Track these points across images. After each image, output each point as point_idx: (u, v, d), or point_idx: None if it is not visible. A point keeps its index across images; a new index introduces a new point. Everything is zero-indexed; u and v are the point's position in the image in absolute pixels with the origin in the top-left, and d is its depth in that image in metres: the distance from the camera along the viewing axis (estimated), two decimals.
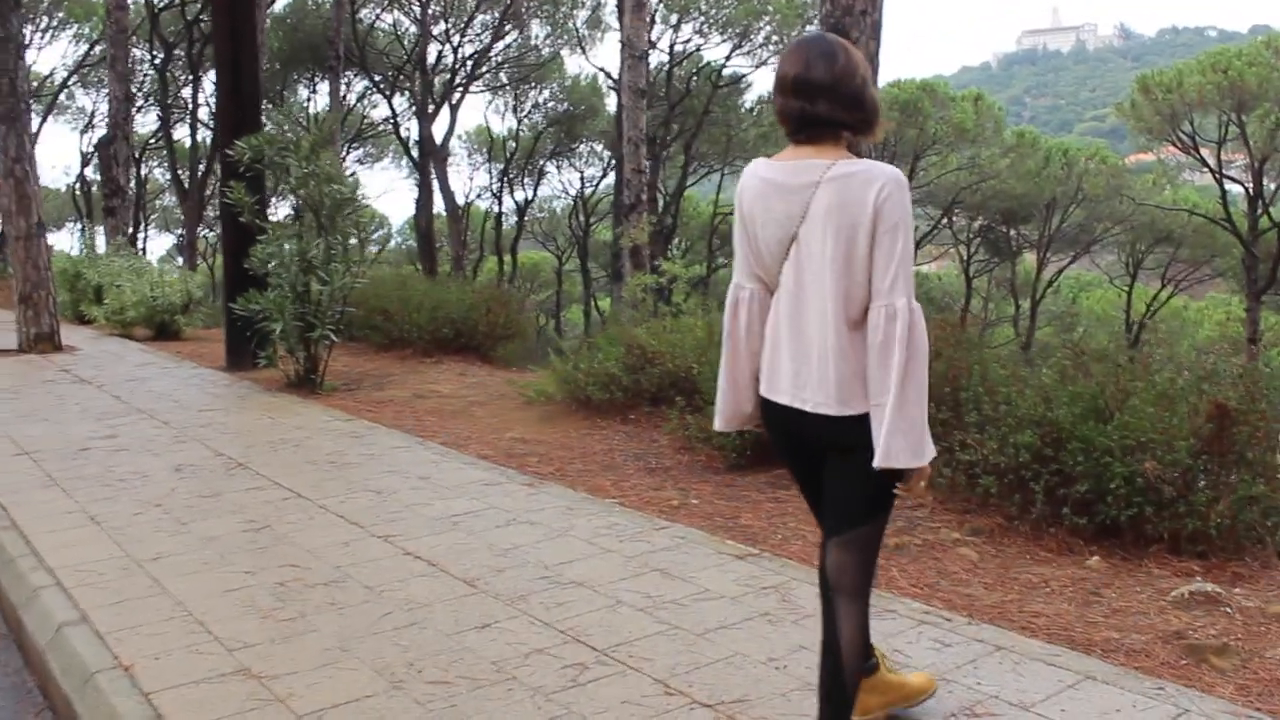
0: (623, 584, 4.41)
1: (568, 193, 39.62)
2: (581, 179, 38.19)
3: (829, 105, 2.66)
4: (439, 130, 31.53)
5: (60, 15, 38.95)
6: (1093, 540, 4.82)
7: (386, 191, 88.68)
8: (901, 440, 2.56)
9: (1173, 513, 4.70)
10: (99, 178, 23.31)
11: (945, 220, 31.11)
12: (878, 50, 8.43)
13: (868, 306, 2.64)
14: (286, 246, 9.30)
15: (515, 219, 39.22)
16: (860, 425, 2.64)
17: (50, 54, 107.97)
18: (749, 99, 32.11)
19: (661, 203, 32.45)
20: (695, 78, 30.76)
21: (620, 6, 17.51)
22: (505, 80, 33.66)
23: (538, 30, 31.72)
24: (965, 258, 32.38)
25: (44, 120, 40.32)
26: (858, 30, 8.27)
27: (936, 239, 32.32)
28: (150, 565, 4.81)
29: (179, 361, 11.57)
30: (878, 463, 2.57)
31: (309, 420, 8.10)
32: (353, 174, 10.89)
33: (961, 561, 4.66)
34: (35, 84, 41.89)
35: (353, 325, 11.90)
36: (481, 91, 34.27)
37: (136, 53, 32.22)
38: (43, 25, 40.05)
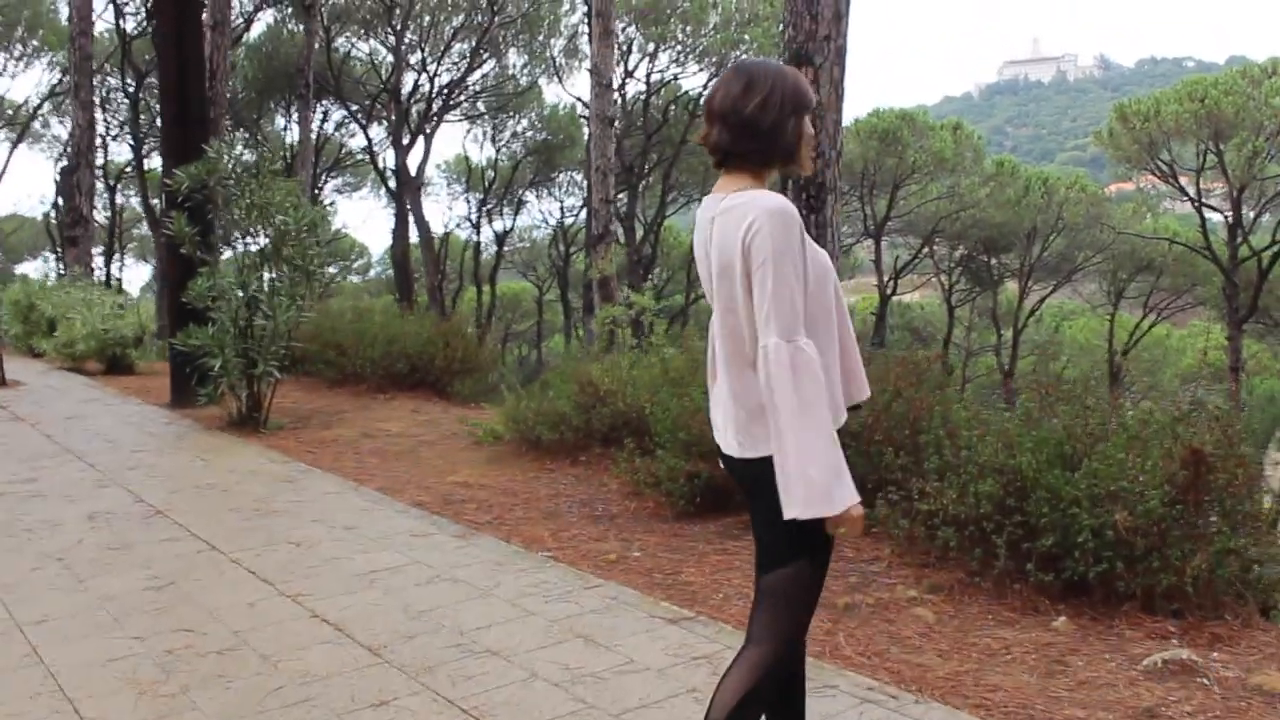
0: (541, 653, 4.00)
1: (547, 222, 39.39)
2: (561, 208, 37.96)
3: (726, 133, 2.50)
4: (415, 159, 31.30)
5: (35, 43, 38.67)
6: (1060, 598, 4.44)
7: (365, 221, 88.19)
8: (796, 490, 2.32)
9: (1145, 568, 4.32)
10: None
11: (926, 249, 30.84)
12: (842, 77, 8.13)
13: None
14: (227, 280, 8.90)
15: (495, 248, 38.87)
16: (764, 467, 2.42)
17: (25, 81, 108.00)
18: None
19: (640, 232, 32.16)
20: (673, 106, 30.52)
21: (589, 34, 17.24)
22: (483, 109, 33.38)
23: (515, 59, 31.47)
24: (947, 287, 32.10)
25: (14, 147, 39.97)
26: (821, 56, 7.97)
27: (918, 268, 32.04)
28: (32, 630, 4.38)
29: (124, 398, 11.15)
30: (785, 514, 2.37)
31: (243, 462, 7.68)
32: (311, 205, 10.46)
33: (916, 624, 4.28)
34: (10, 111, 41.65)
35: (305, 360, 11.49)
36: (459, 120, 33.99)
37: (111, 81, 31.91)
38: (16, 53, 39.78)
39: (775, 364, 2.33)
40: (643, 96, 29.56)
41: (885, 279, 30.06)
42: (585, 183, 34.15)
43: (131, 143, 32.40)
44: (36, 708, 3.65)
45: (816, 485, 2.30)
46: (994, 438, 4.77)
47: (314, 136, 36.53)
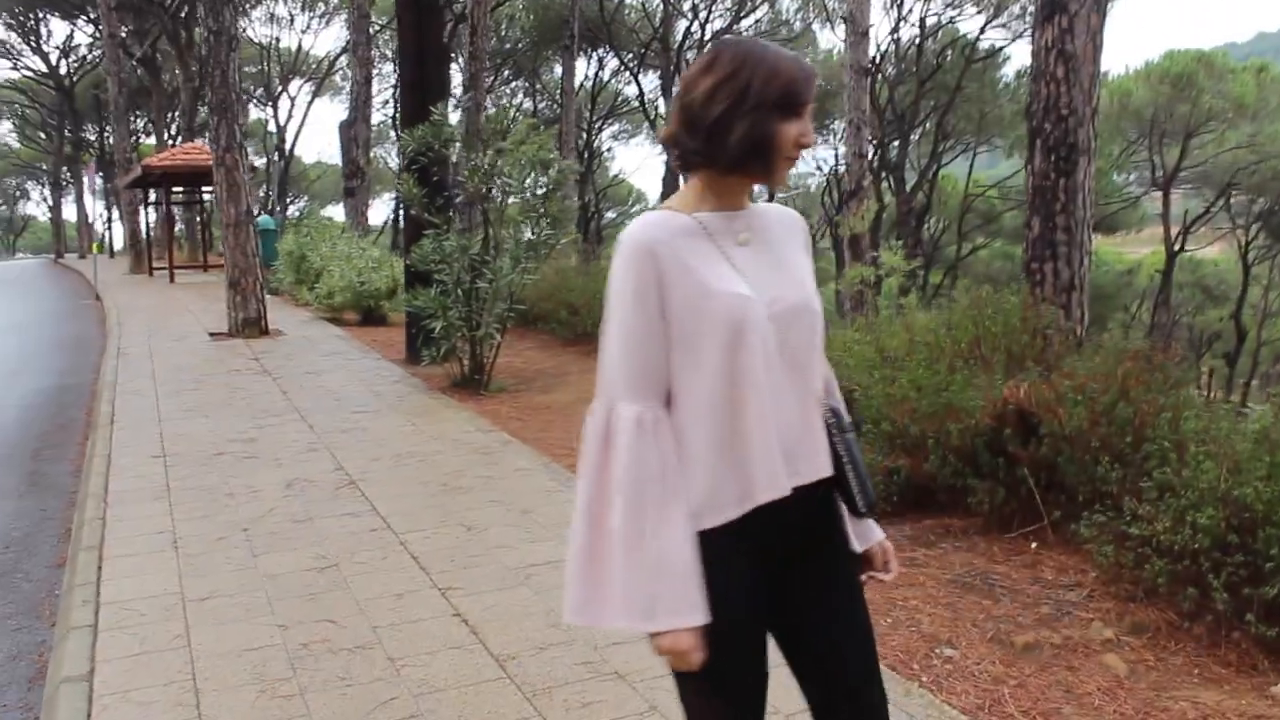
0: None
1: (820, 170, 38.55)
2: (836, 156, 37.05)
3: (672, 121, 1.97)
4: None
5: (335, 1, 41.01)
6: None
7: (638, 169, 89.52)
8: (574, 590, 1.91)
9: None
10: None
11: (1222, 202, 28.13)
12: (1101, 25, 7.31)
13: None
14: (449, 243, 8.96)
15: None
16: None
17: (326, 36, 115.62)
18: (1007, 73, 30.10)
19: (911, 181, 30.92)
20: (949, 51, 29.04)
21: None
22: None
23: (788, 3, 30.71)
24: (1243, 243, 29.21)
25: (313, 99, 42.61)
26: (1077, 2, 7.19)
27: (1211, 222, 29.28)
28: (194, 608, 4.46)
29: (365, 352, 11.55)
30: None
31: (450, 429, 7.72)
32: (561, 159, 10.33)
33: (1103, 675, 3.69)
34: (313, 65, 44.45)
35: (541, 319, 11.57)
36: None
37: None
38: (319, 10, 42.31)
39: (591, 434, 1.90)
40: (915, 40, 28.20)
41: (1174, 233, 27.66)
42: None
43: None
44: (164, 697, 3.67)
45: (620, 599, 1.83)
46: (1215, 459, 4.07)
47: (590, 84, 37.20)
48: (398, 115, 30.41)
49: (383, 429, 7.84)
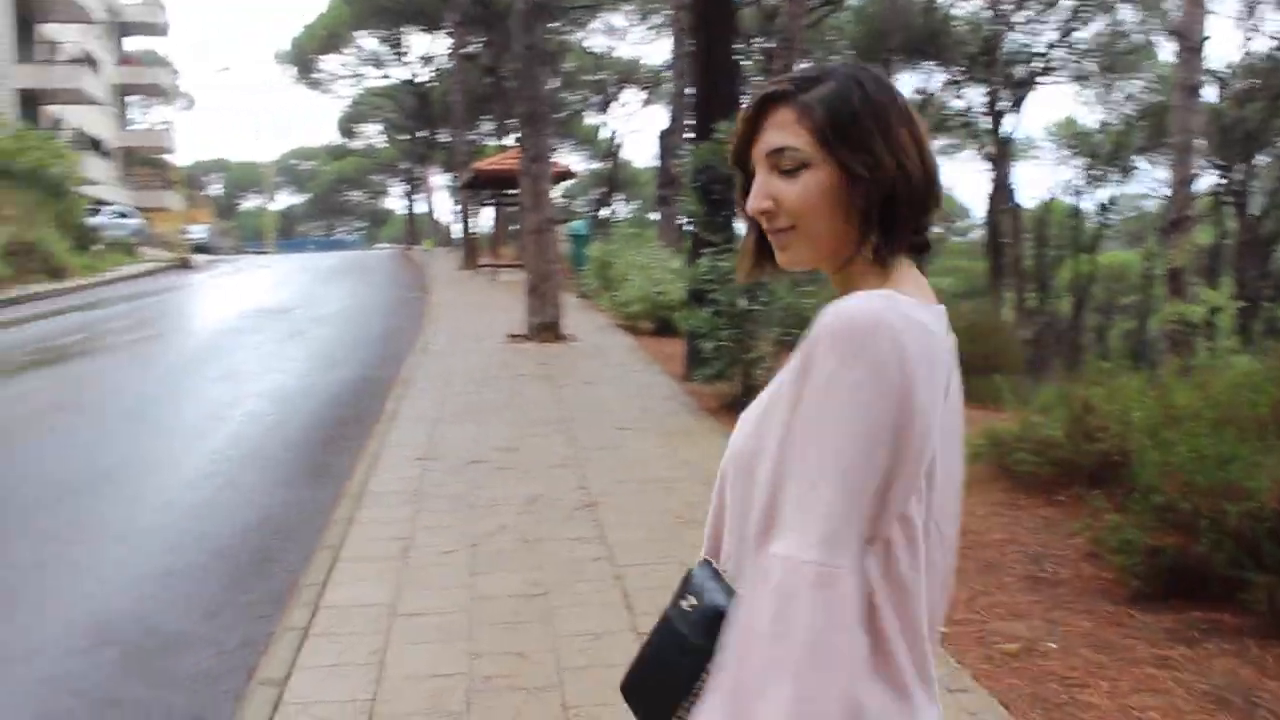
0: None
1: (1159, 191, 35.94)
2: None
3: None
4: (1015, 123, 29.83)
5: (668, 12, 42.01)
6: None
7: (962, 184, 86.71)
8: None
9: None
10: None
11: None
12: None
13: None
14: (724, 263, 8.83)
15: (1098, 217, 36.19)
16: None
17: (661, 47, 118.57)
18: None
19: (1263, 205, 28.16)
20: None
21: None
22: (1093, 68, 30.93)
23: (1128, 15, 28.70)
24: None
25: (644, 106, 43.84)
26: None
27: None
28: (400, 623, 4.54)
29: (649, 364, 11.63)
30: None
31: (702, 454, 7.58)
32: None
33: None
34: (647, 75, 45.76)
35: None
36: (1066, 81, 31.83)
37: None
38: (653, 23, 43.48)
39: None
40: (1270, 52, 25.61)
41: None
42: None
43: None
44: (340, 715, 3.72)
45: None
46: None
47: (916, 98, 36.24)
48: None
49: (639, 448, 7.80)
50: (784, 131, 1.32)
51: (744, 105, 1.40)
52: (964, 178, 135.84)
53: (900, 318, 1.20)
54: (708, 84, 10.13)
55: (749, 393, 9.07)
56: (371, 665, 4.13)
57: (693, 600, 1.34)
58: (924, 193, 1.33)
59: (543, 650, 4.28)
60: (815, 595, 1.14)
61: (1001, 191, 27.63)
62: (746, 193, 1.38)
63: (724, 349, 8.84)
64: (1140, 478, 5.26)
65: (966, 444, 4.69)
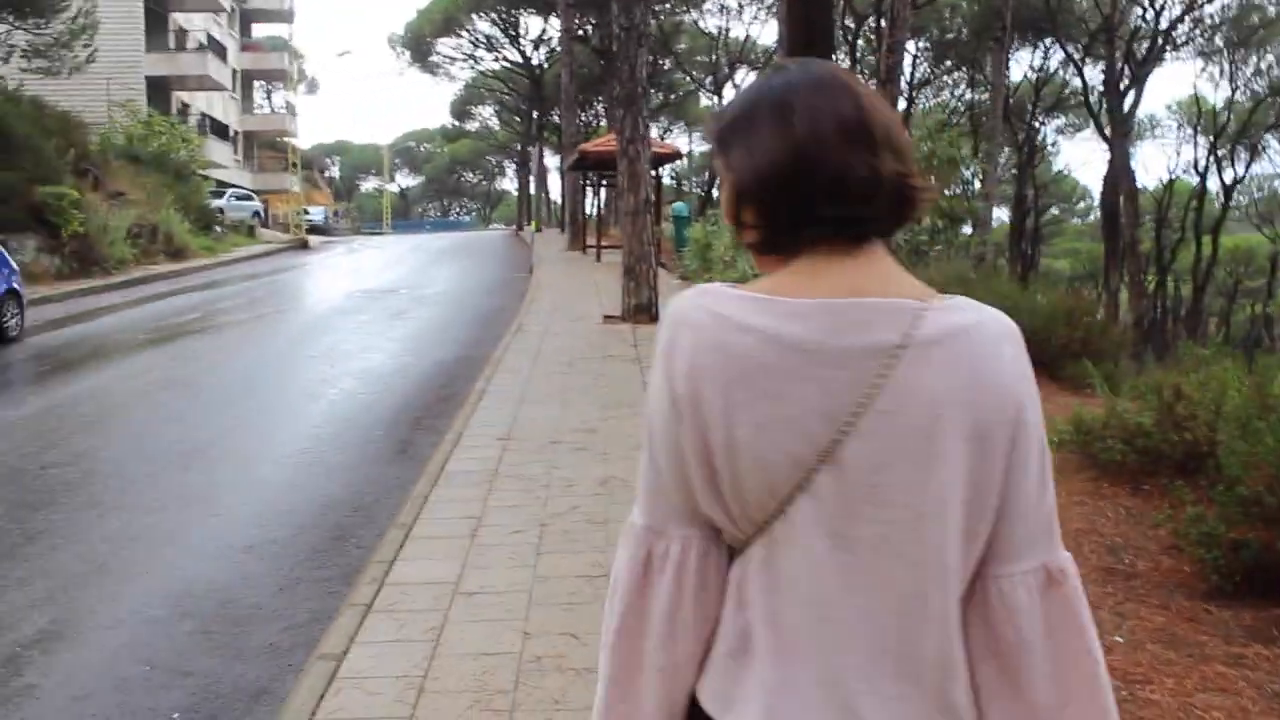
0: None
1: None
2: None
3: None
4: (1137, 102, 28.81)
5: None
6: None
7: (1084, 164, 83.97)
8: None
9: None
10: None
11: None
12: None
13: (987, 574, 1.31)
14: None
15: (1222, 198, 34.81)
16: None
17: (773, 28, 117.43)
18: None
19: None
20: None
21: None
22: (1220, 44, 29.70)
23: None
24: None
25: None
26: None
27: None
28: (460, 601, 4.60)
29: None
30: None
31: None
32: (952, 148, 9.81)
33: None
34: (761, 54, 45.29)
35: None
36: (1190, 59, 30.66)
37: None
38: (767, 2, 43.05)
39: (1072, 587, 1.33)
40: None
41: None
42: None
43: None
44: (391, 690, 3.81)
45: None
46: None
47: (1035, 76, 35.33)
48: None
49: None
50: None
51: None
52: (1083, 158, 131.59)
53: (699, 311, 1.27)
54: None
55: None
56: (428, 642, 4.19)
57: None
58: (772, 185, 1.31)
59: (595, 632, 4.26)
60: (622, 550, 1.39)
61: (1120, 172, 26.68)
62: None
63: None
64: (1226, 468, 5.06)
65: (1052, 430, 4.47)
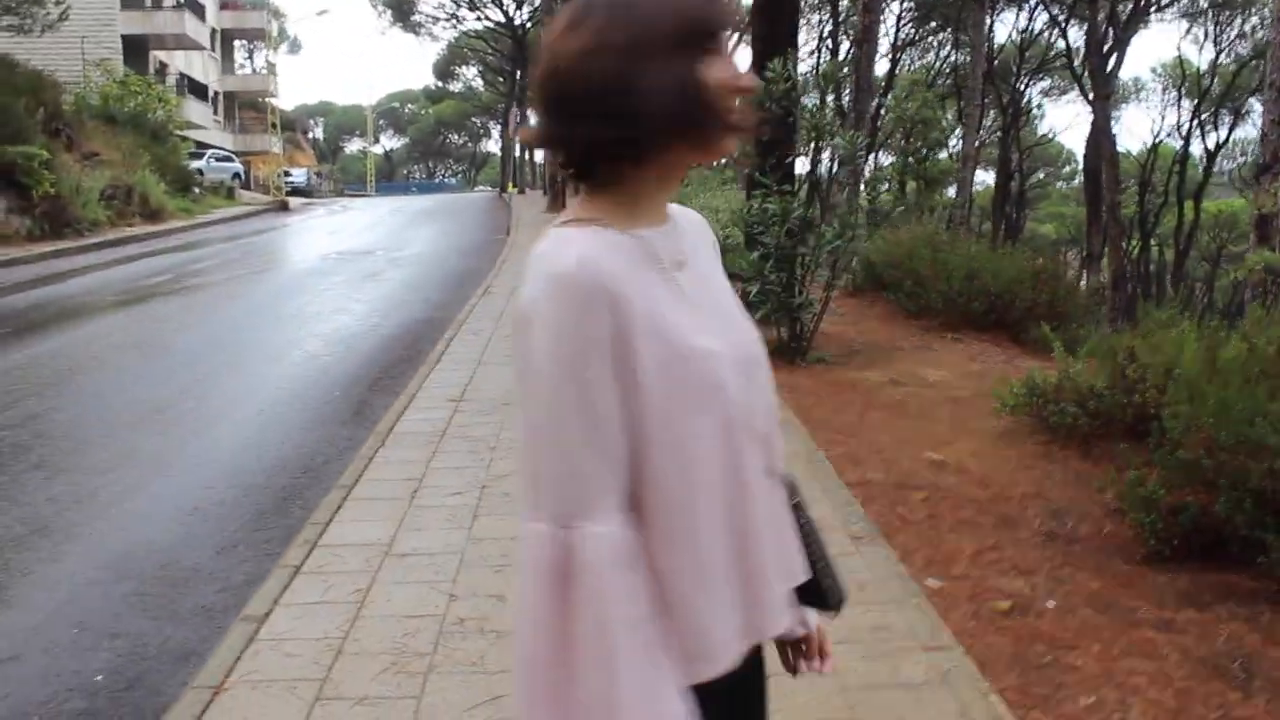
0: None
1: None
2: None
3: (541, 110, 1.41)
4: (1118, 63, 28.62)
5: None
6: None
7: (1068, 128, 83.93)
8: None
9: None
10: None
11: None
12: None
13: None
14: (771, 205, 8.67)
15: (1204, 162, 34.76)
16: None
17: None
18: None
19: None
20: None
21: None
22: (1205, 5, 29.55)
23: None
24: None
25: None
26: None
27: None
28: (390, 563, 4.59)
29: None
30: None
31: None
32: (937, 114, 9.74)
33: None
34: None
35: (889, 286, 11.07)
36: (1175, 19, 30.52)
37: None
38: None
39: (528, 567, 1.32)
40: None
41: None
42: None
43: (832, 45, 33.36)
44: (308, 651, 3.79)
45: None
46: None
47: (1019, 37, 35.15)
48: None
49: None
50: None
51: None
52: (1068, 121, 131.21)
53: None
54: (764, 21, 9.86)
55: (796, 339, 8.95)
56: (352, 604, 4.18)
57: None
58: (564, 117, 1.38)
59: None
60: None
61: (1101, 134, 26.54)
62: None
63: (770, 292, 8.69)
64: (1170, 431, 5.05)
65: (1009, 393, 4.60)
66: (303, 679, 3.59)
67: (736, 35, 1.33)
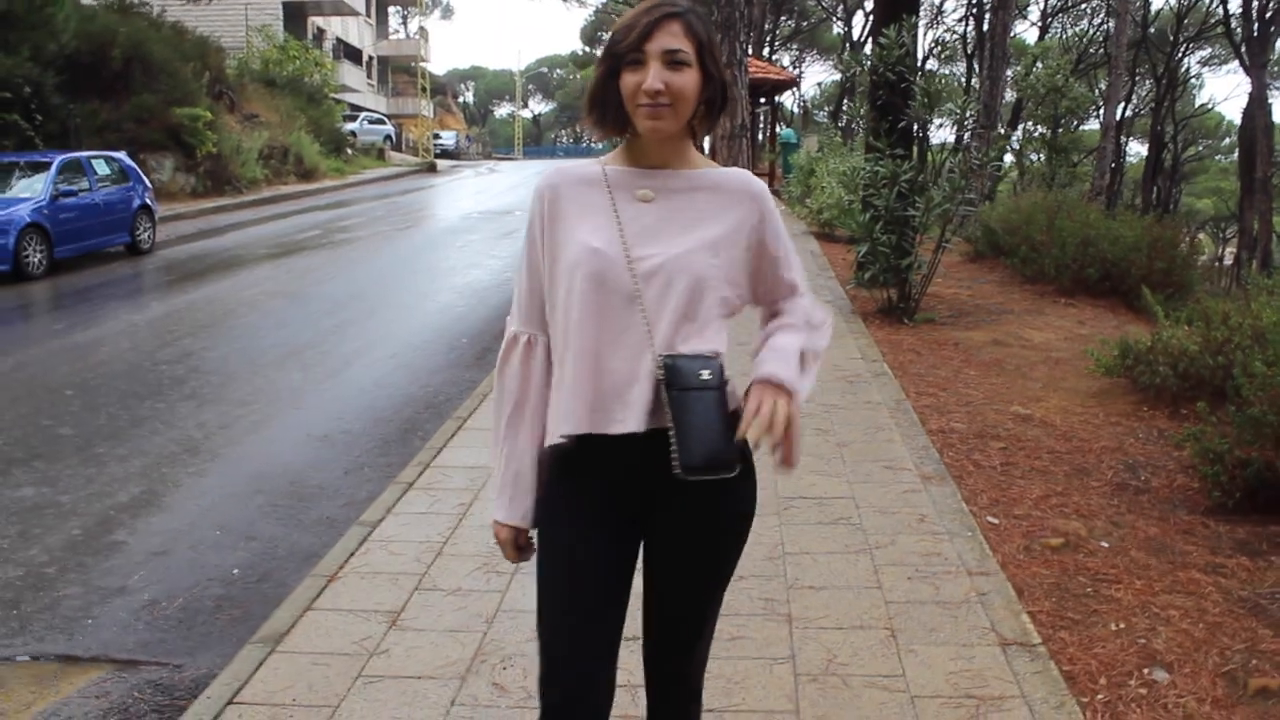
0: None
1: None
2: None
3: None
4: (1277, 29, 27.39)
5: None
6: None
7: (1228, 98, 79.80)
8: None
9: None
10: None
11: None
12: None
13: None
14: (881, 168, 8.86)
15: None
16: None
17: None
18: None
19: None
20: None
21: None
22: None
23: None
24: None
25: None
26: None
27: None
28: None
29: (824, 270, 11.76)
30: None
31: (837, 354, 7.75)
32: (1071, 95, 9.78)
33: None
34: None
35: (1007, 252, 11.14)
36: None
37: None
38: None
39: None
40: None
41: None
42: None
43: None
44: (412, 551, 4.26)
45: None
46: None
47: (1175, 4, 33.86)
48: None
49: None
50: (676, 38, 1.89)
51: (651, 11, 1.92)
52: (1227, 92, 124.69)
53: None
54: None
55: (905, 298, 9.14)
56: (454, 515, 4.66)
57: (704, 373, 1.91)
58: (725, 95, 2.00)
59: None
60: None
61: (1256, 105, 25.53)
62: (609, 80, 1.96)
63: (880, 253, 8.90)
64: (1243, 390, 5.18)
65: (1103, 361, 4.92)
66: (404, 573, 4.09)
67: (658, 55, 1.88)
